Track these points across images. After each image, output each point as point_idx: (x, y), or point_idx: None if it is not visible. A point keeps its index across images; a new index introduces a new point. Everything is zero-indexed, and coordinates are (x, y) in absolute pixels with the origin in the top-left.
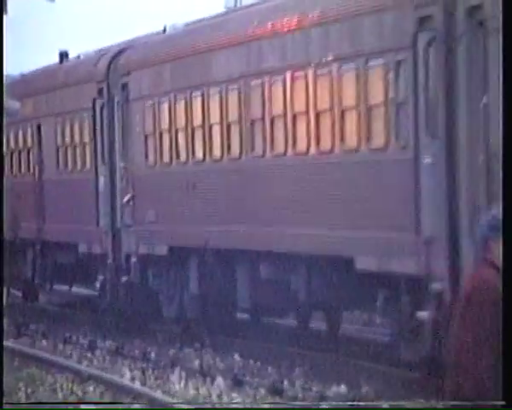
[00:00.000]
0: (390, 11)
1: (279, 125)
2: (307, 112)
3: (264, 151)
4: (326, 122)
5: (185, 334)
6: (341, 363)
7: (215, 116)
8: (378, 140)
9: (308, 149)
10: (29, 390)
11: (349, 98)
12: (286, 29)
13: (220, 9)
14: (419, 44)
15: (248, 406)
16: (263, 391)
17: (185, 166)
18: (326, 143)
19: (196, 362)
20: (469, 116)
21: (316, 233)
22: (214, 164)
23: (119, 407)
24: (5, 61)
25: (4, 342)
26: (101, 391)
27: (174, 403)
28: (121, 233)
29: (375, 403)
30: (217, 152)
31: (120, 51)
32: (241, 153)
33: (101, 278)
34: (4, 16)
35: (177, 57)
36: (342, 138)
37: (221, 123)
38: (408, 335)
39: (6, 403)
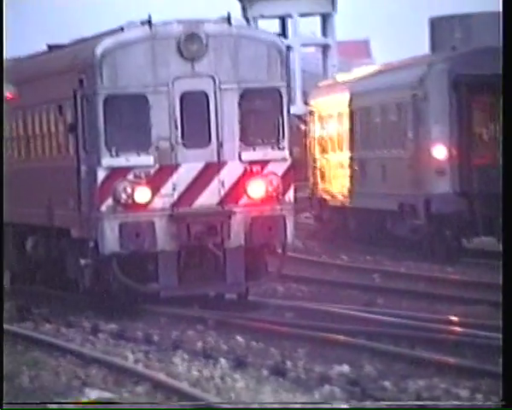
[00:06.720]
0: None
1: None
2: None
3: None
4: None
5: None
6: (343, 343)
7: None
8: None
9: None
10: (32, 374)
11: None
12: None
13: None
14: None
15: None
16: (265, 372)
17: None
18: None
19: (199, 344)
20: None
21: None
22: None
23: (119, 407)
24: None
25: (8, 326)
26: (104, 374)
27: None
28: None
29: (375, 403)
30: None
31: None
32: None
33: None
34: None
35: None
36: None
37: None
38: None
39: (6, 403)
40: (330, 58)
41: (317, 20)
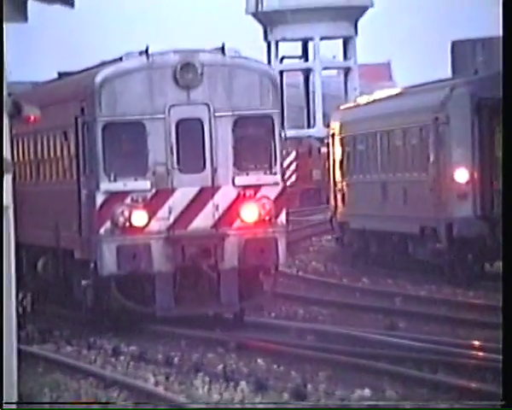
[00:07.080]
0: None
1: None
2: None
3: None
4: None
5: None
6: (364, 367)
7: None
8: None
9: None
10: (54, 396)
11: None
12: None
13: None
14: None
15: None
16: (286, 395)
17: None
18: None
19: (220, 367)
20: None
21: None
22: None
23: (115, 407)
24: (6, 65)
25: (29, 348)
26: (125, 396)
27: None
28: None
29: (375, 403)
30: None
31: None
32: None
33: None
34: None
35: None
36: None
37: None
38: None
39: (5, 403)
40: (351, 81)
41: (339, 43)
